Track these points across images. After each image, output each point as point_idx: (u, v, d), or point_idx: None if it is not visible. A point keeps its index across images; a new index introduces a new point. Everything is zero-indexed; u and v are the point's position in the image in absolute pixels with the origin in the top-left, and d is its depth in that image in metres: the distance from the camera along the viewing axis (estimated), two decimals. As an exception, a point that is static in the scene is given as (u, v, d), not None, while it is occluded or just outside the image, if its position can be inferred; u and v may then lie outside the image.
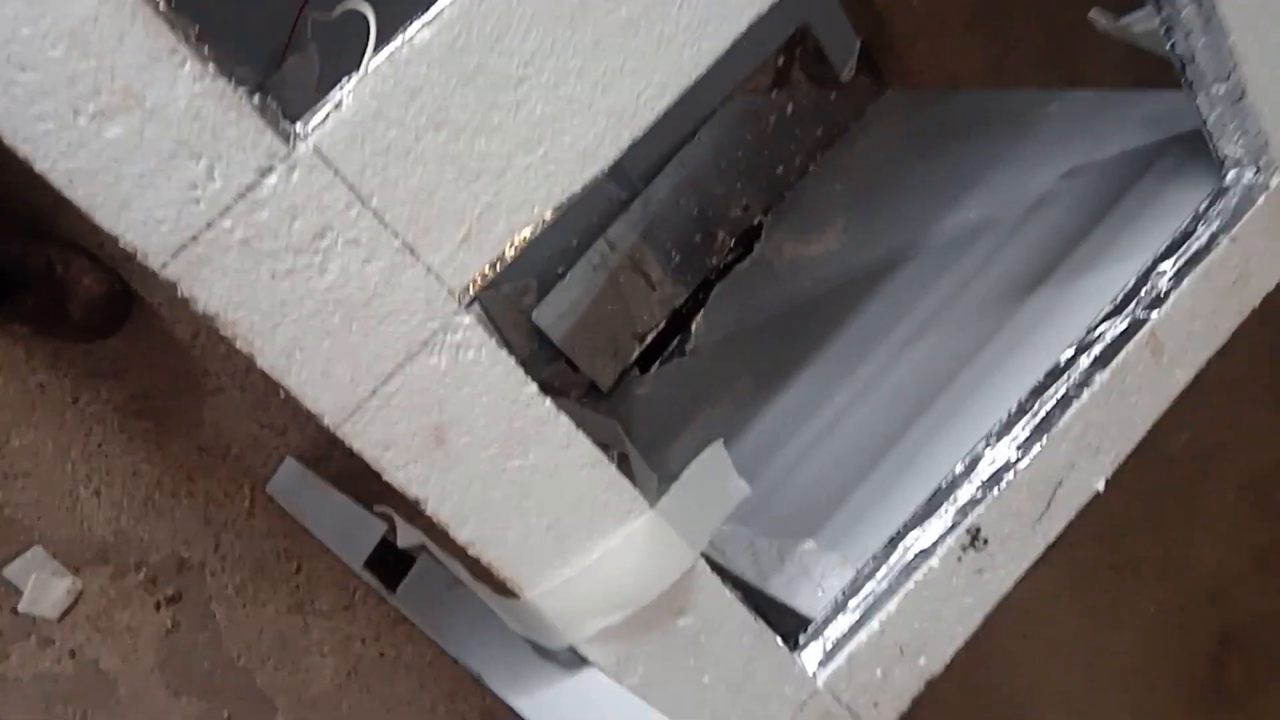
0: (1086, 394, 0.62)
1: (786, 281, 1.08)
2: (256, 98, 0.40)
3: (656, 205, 1.13)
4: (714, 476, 0.54)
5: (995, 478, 0.62)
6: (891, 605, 0.59)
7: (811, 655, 0.59)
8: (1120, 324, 0.65)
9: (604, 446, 0.50)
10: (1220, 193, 0.68)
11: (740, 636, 0.55)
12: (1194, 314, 0.64)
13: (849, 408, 0.83)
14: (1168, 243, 0.66)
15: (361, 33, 0.50)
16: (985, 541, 0.61)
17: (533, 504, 0.48)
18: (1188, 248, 0.66)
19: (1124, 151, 0.82)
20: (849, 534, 0.70)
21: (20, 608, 1.09)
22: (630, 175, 1.14)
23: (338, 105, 0.41)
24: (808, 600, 0.67)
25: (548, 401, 0.47)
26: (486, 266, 0.45)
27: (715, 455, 0.54)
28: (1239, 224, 0.65)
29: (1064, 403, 0.62)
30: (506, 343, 1.08)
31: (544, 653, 0.69)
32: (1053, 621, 1.53)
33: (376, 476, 0.46)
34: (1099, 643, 1.58)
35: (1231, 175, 0.68)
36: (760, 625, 0.56)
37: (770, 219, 1.18)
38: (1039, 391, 0.64)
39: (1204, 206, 0.67)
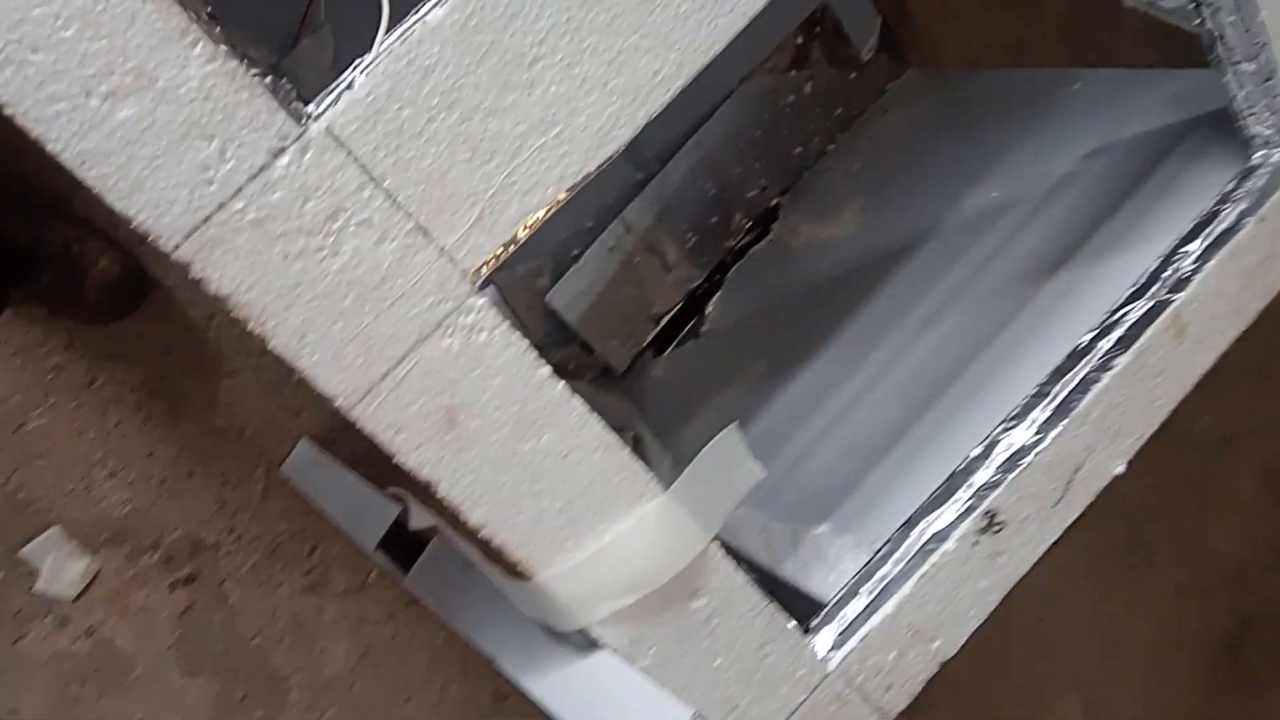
0: (1108, 376, 0.61)
1: (803, 263, 1.08)
2: (269, 79, 0.39)
3: (673, 186, 1.13)
4: (728, 459, 0.54)
5: (1013, 461, 0.61)
6: (906, 588, 0.59)
7: (824, 639, 0.59)
8: (1144, 306, 0.64)
9: (618, 429, 0.50)
10: (1248, 172, 0.67)
11: (753, 620, 0.55)
12: (1219, 295, 0.63)
13: (865, 391, 0.83)
14: (1194, 223, 0.66)
15: (376, 13, 0.50)
16: (1002, 525, 0.60)
17: (545, 486, 0.48)
18: (1214, 228, 0.65)
19: (1148, 131, 0.81)
20: (863, 518, 0.70)
21: (37, 588, 1.10)
22: (646, 156, 1.13)
23: (349, 85, 0.41)
24: (821, 583, 0.67)
25: (560, 384, 0.47)
26: (500, 248, 0.45)
27: (730, 438, 0.54)
28: (1267, 204, 0.64)
29: (1084, 385, 0.62)
30: (521, 325, 1.08)
31: (556, 635, 0.69)
32: (1069, 606, 1.52)
33: (390, 458, 0.46)
34: (1115, 628, 1.58)
35: (1260, 155, 0.67)
36: (773, 608, 0.56)
37: (787, 200, 1.17)
38: (1059, 374, 0.63)
39: (1231, 186, 0.66)
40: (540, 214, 0.45)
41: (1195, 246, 0.64)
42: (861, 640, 0.58)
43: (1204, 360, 0.64)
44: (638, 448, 0.94)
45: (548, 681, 0.69)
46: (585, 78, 0.44)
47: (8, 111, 0.37)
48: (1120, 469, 0.62)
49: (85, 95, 0.37)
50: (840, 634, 0.59)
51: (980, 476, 0.62)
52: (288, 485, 1.16)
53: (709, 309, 1.14)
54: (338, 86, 0.41)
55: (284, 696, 1.20)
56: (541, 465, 0.48)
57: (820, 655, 0.58)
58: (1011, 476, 0.60)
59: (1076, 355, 0.64)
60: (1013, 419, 0.63)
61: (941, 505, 0.62)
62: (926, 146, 1.06)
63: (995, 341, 0.75)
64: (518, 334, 0.46)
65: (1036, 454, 0.61)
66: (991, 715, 1.49)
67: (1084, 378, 0.62)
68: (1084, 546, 1.52)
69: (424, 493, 0.48)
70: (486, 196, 0.44)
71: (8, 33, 0.36)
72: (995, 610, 0.61)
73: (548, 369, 0.47)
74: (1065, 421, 0.61)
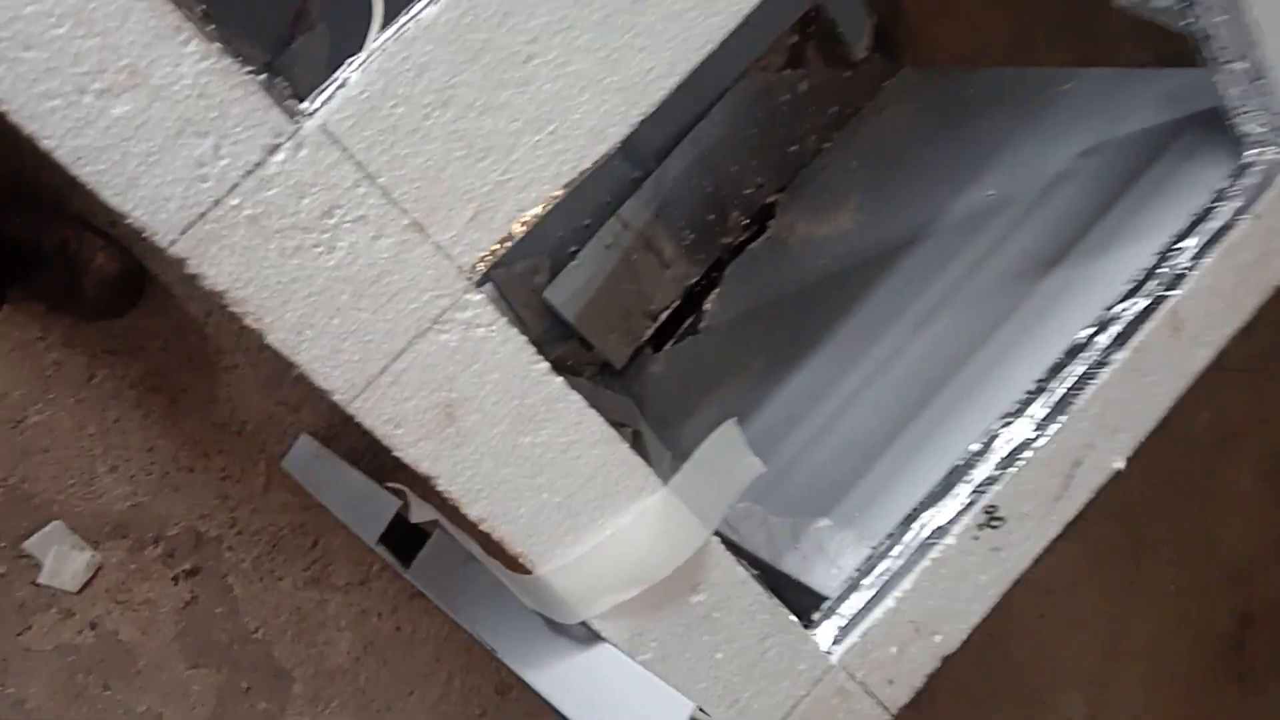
0: (1106, 372, 0.61)
1: (800, 260, 1.08)
2: (263, 76, 0.40)
3: (670, 184, 1.13)
4: (728, 454, 0.54)
5: (1013, 456, 0.61)
6: (907, 583, 0.59)
7: (826, 632, 0.59)
8: (1140, 302, 0.64)
9: (618, 424, 0.50)
10: (1242, 170, 0.67)
11: (754, 613, 0.55)
12: (1215, 291, 0.64)
13: (864, 386, 0.83)
14: (1189, 220, 0.66)
15: (371, 10, 0.50)
16: (1002, 520, 0.60)
17: (544, 481, 0.48)
18: (1209, 225, 0.65)
19: (1142, 129, 0.81)
20: (864, 512, 0.70)
21: (41, 580, 1.10)
22: (643, 153, 1.13)
23: (344, 83, 0.41)
24: (822, 578, 0.67)
25: (559, 379, 0.47)
26: (496, 244, 0.45)
27: (729, 433, 0.54)
28: (1262, 200, 0.64)
29: (1083, 381, 0.62)
30: (519, 321, 1.08)
31: (558, 627, 0.69)
32: (1071, 601, 1.52)
33: (390, 452, 0.46)
34: (1117, 623, 1.58)
35: (1252, 152, 0.67)
36: (774, 602, 0.56)
37: (784, 198, 1.17)
38: (1058, 370, 0.63)
39: (1225, 184, 0.66)
40: (536, 211, 0.45)
41: (1190, 243, 0.64)
42: (863, 634, 0.58)
43: (1201, 356, 0.64)
44: (637, 444, 0.94)
45: (550, 674, 0.69)
46: (580, 76, 0.45)
47: (2, 109, 0.37)
48: (1120, 465, 0.63)
49: (79, 93, 0.37)
50: (842, 628, 0.59)
51: (980, 472, 0.62)
52: (288, 480, 1.17)
53: (707, 305, 1.14)
54: (332, 84, 0.41)
55: (288, 689, 1.20)
56: (541, 460, 0.48)
57: (822, 649, 0.58)
58: (1011, 472, 0.60)
59: (1075, 351, 0.64)
60: (1012, 415, 0.63)
61: (942, 500, 0.62)
62: (922, 144, 1.06)
63: (992, 338, 0.75)
64: (515, 329, 0.46)
65: (1036, 449, 0.61)
66: (994, 712, 1.49)
67: (1083, 373, 0.62)
68: (1085, 544, 1.52)
69: (424, 487, 0.48)
70: (482, 193, 0.44)
71: (0, 30, 0.36)
72: (997, 607, 0.62)
73: (545, 364, 0.47)
74: (1064, 417, 0.61)
